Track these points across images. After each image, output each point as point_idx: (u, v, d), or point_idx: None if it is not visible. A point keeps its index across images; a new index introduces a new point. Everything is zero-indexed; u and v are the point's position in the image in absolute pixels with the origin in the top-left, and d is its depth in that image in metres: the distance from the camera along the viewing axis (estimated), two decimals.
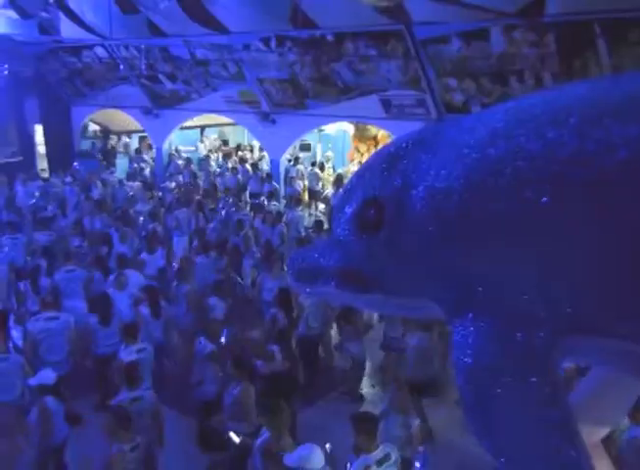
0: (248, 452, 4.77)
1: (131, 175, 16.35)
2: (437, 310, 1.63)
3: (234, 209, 12.15)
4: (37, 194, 13.78)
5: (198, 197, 13.17)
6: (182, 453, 5.82)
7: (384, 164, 1.75)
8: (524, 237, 1.40)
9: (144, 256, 9.16)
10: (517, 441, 1.34)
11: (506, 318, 1.41)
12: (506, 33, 9.92)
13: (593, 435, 1.82)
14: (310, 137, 17.45)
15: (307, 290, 2.03)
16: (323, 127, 16.79)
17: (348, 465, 4.46)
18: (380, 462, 4.42)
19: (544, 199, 1.35)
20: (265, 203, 13.14)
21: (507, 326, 1.39)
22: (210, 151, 19.72)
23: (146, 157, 18.28)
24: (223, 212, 12.06)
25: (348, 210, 1.78)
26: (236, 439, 5.25)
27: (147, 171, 17.07)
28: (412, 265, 1.62)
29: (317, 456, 4.13)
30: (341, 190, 1.80)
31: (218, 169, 17.44)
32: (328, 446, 4.67)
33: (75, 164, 17.06)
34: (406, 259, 1.62)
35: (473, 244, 1.49)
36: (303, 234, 11.11)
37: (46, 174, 17.03)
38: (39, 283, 8.18)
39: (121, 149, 19.89)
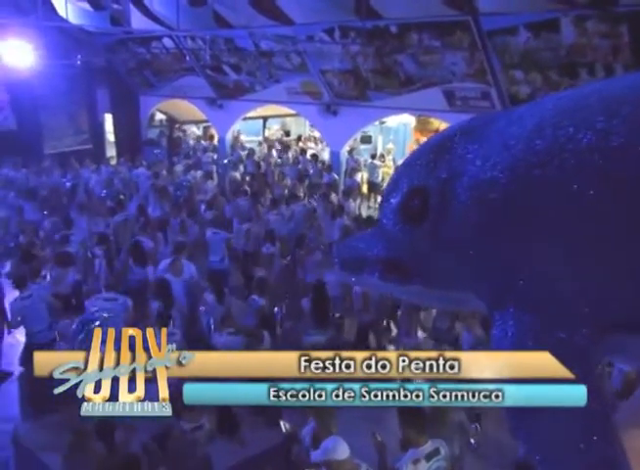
0: (294, 441, 4.80)
1: (193, 165, 16.66)
2: (478, 303, 1.60)
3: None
4: (109, 180, 14.21)
5: (259, 187, 13.31)
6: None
7: (431, 153, 1.73)
8: (569, 231, 1.35)
9: (209, 234, 9.36)
10: (554, 436, 1.31)
11: (548, 313, 1.37)
12: (577, 24, 9.59)
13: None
14: (371, 129, 17.36)
15: (353, 279, 2.03)
16: (384, 119, 16.66)
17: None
18: (429, 457, 4.35)
19: (591, 191, 1.30)
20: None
21: (549, 321, 1.36)
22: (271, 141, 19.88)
23: (208, 146, 18.60)
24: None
25: (394, 200, 1.76)
26: (284, 428, 5.30)
27: (209, 161, 17.35)
28: (454, 257, 1.59)
29: (341, 447, 4.11)
30: (389, 180, 1.78)
31: (279, 160, 17.58)
32: (378, 436, 4.62)
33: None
34: (449, 251, 1.60)
35: (516, 236, 1.45)
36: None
37: (114, 162, 17.59)
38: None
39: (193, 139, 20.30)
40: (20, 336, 7.58)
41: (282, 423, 5.42)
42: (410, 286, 1.76)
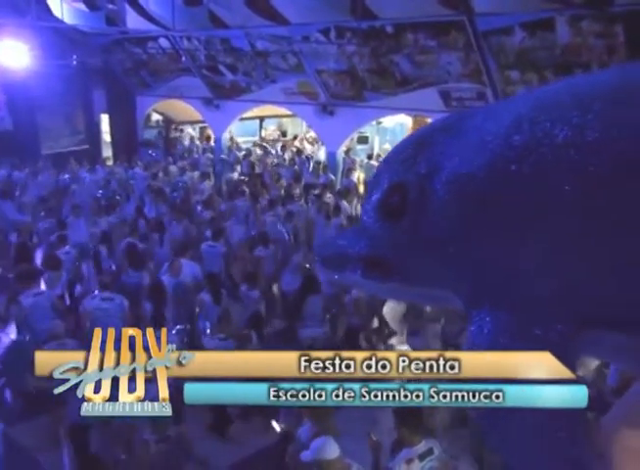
0: (289, 441, 4.82)
1: (190, 165, 16.63)
2: (456, 301, 1.61)
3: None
4: (103, 181, 14.20)
5: (255, 188, 13.28)
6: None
7: (410, 149, 1.74)
8: (545, 226, 1.37)
9: (205, 247, 9.21)
10: (528, 437, 1.33)
11: (523, 310, 1.38)
12: (572, 23, 9.63)
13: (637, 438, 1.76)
14: (368, 129, 17.38)
15: (335, 277, 2.03)
16: (381, 120, 16.68)
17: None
18: (422, 456, 4.36)
19: (567, 187, 1.31)
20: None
21: (524, 317, 1.37)
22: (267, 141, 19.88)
23: (206, 147, 18.60)
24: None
25: (374, 196, 1.77)
26: (277, 428, 5.33)
27: (205, 161, 17.33)
28: (432, 253, 1.60)
29: (331, 446, 4.13)
30: (371, 177, 1.81)
31: (275, 160, 17.57)
32: (373, 436, 4.63)
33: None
34: (427, 247, 1.61)
35: (492, 232, 1.47)
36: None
37: (110, 162, 17.57)
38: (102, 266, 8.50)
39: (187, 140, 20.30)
40: (11, 334, 7.56)
41: (277, 423, 5.45)
42: (391, 283, 1.77)
